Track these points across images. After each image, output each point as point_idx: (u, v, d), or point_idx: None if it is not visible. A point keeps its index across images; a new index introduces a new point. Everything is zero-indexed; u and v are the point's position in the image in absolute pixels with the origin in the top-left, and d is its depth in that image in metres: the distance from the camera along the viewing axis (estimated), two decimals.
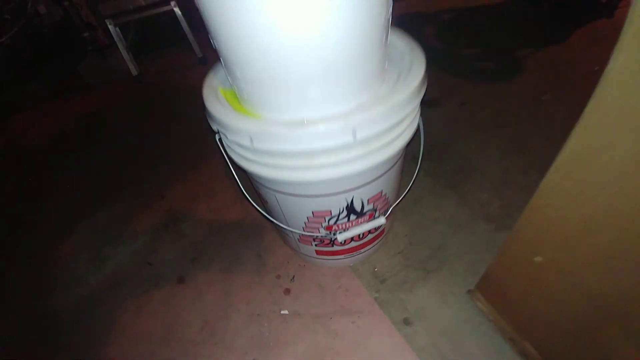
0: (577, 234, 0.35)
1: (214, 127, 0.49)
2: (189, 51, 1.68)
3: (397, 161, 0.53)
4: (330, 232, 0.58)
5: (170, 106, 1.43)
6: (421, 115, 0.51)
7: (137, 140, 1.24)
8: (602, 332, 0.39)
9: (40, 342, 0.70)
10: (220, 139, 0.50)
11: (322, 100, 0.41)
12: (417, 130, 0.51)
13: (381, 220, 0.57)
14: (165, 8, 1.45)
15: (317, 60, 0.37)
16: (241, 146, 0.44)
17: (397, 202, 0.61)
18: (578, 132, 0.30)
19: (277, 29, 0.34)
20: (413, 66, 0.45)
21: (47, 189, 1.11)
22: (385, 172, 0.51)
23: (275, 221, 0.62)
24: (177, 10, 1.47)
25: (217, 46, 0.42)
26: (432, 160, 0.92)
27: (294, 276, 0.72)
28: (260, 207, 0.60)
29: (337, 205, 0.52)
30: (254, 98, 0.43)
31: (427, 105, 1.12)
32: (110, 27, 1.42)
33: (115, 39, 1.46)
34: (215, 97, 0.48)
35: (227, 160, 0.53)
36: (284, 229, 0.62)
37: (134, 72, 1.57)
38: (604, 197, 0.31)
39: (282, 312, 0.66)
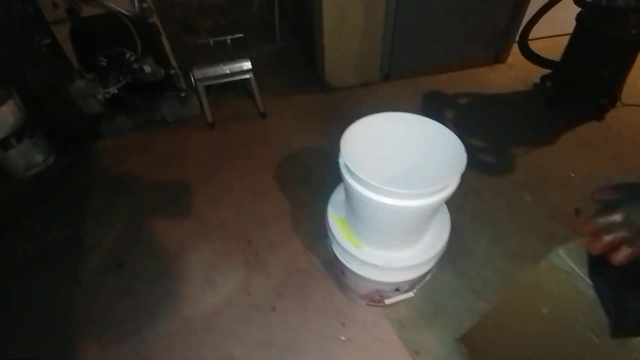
0: (500, 336, 0.77)
1: (330, 239, 0.89)
2: (251, 103, 2.07)
3: None
4: (382, 297, 0.99)
5: (240, 154, 1.81)
6: None
7: (219, 183, 1.63)
8: None
9: (180, 344, 1.09)
10: (331, 245, 0.91)
11: (397, 247, 0.82)
12: None
13: (411, 294, 0.99)
14: (244, 76, 1.84)
15: (397, 233, 0.78)
16: (349, 259, 0.85)
17: (422, 283, 1.02)
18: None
19: (385, 224, 0.75)
20: (443, 229, 0.86)
21: (151, 220, 1.50)
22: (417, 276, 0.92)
23: (345, 284, 1.03)
24: (252, 77, 1.86)
25: (355, 215, 0.82)
26: None
27: (347, 315, 1.13)
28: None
29: (391, 288, 0.93)
30: (362, 236, 0.84)
31: None
32: (200, 87, 1.81)
33: (201, 94, 1.85)
34: (334, 224, 0.89)
35: (334, 258, 0.93)
36: (351, 290, 1.03)
37: (210, 119, 1.95)
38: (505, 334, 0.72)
39: (341, 337, 1.07)
